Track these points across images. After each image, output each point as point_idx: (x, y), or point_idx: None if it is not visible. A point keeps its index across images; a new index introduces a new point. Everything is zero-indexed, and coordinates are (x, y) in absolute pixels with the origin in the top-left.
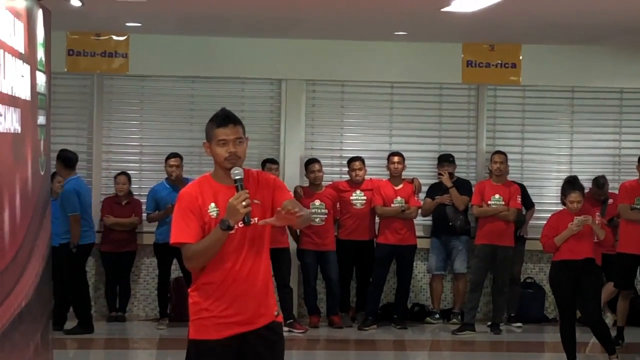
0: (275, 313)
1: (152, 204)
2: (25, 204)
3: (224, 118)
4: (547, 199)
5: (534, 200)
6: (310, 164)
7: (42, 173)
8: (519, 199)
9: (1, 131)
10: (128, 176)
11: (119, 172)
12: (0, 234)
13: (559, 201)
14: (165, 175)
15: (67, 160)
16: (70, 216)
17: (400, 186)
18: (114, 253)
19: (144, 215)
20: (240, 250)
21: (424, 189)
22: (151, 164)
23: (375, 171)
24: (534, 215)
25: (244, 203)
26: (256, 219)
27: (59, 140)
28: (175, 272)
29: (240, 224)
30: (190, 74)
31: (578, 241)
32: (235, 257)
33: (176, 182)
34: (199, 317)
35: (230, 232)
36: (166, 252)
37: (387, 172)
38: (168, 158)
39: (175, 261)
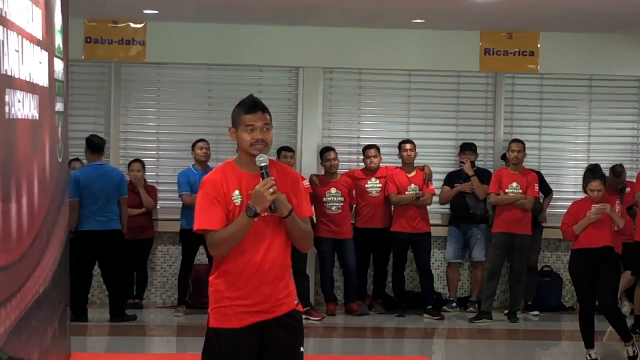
0: (295, 302)
1: (187, 186)
2: (43, 191)
3: (253, 105)
4: (565, 187)
5: (552, 188)
6: (325, 152)
7: (60, 160)
8: (537, 187)
9: (19, 117)
10: (142, 163)
11: (133, 159)
12: (18, 220)
13: (577, 189)
14: (192, 162)
15: (92, 145)
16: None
17: (413, 173)
18: (130, 240)
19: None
20: (262, 238)
21: (441, 177)
22: (168, 151)
23: (393, 159)
24: (552, 203)
25: (270, 190)
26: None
27: (77, 128)
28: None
29: (266, 212)
30: (208, 61)
31: (597, 229)
32: (257, 245)
33: (204, 168)
34: (220, 305)
35: (256, 219)
36: (192, 239)
37: (401, 160)
38: (196, 143)
39: (201, 249)
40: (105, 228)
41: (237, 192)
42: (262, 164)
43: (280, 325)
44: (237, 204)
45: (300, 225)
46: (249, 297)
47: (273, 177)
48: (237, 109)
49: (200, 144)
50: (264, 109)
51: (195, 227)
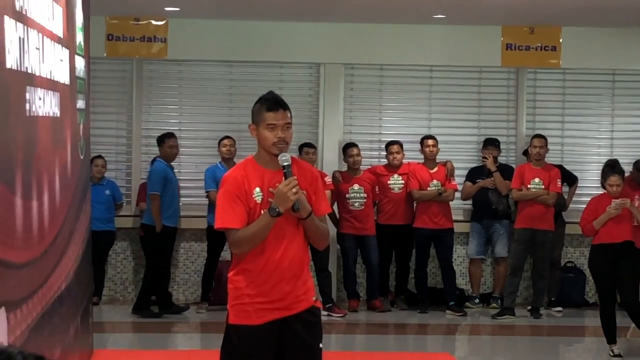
0: (314, 298)
1: (213, 183)
2: (64, 188)
3: (275, 102)
4: (588, 182)
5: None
6: (348, 148)
7: (82, 157)
8: (559, 183)
9: (40, 115)
10: None
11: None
12: (39, 217)
13: (600, 185)
14: (217, 159)
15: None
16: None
17: (436, 169)
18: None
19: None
20: (282, 236)
21: (463, 172)
22: (190, 148)
23: (414, 155)
24: (575, 198)
25: (293, 190)
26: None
27: (99, 125)
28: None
29: (289, 211)
30: (229, 58)
31: (617, 224)
32: (277, 244)
33: (230, 165)
34: (240, 302)
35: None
36: (219, 236)
37: (423, 156)
38: (222, 140)
39: (226, 246)
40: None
41: (257, 189)
42: (285, 163)
43: (299, 321)
44: (257, 202)
45: (318, 225)
46: (268, 294)
47: (296, 177)
48: (258, 105)
49: (224, 141)
50: (285, 107)
51: (216, 226)
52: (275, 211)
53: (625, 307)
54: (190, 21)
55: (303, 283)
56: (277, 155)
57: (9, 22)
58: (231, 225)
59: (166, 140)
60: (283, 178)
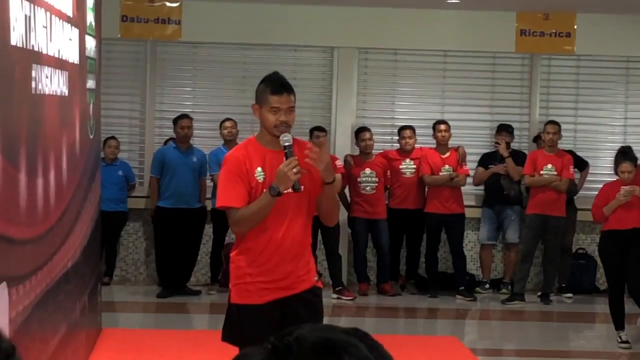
0: (316, 278)
1: (217, 167)
2: (72, 167)
3: (280, 85)
4: (601, 169)
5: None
6: (360, 132)
7: (91, 137)
8: (572, 169)
9: (47, 93)
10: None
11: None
12: (45, 194)
13: (613, 172)
14: (221, 142)
15: None
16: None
17: (448, 154)
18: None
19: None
20: (284, 216)
21: (476, 158)
22: (203, 130)
23: (427, 140)
24: (587, 185)
25: (294, 170)
26: (302, 187)
27: (112, 106)
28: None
29: (289, 191)
30: (243, 40)
31: (627, 211)
32: (279, 223)
33: (232, 146)
34: (242, 281)
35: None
36: (224, 218)
37: (435, 141)
38: (223, 122)
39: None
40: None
41: (259, 169)
42: (286, 144)
43: (300, 301)
44: (259, 181)
45: (336, 195)
46: (270, 273)
47: (296, 157)
48: (262, 86)
49: (226, 123)
50: (289, 91)
51: (217, 205)
52: (276, 190)
53: (634, 294)
54: (205, 3)
55: (305, 263)
56: (278, 136)
57: (14, 0)
58: (232, 204)
59: (178, 121)
60: (284, 158)
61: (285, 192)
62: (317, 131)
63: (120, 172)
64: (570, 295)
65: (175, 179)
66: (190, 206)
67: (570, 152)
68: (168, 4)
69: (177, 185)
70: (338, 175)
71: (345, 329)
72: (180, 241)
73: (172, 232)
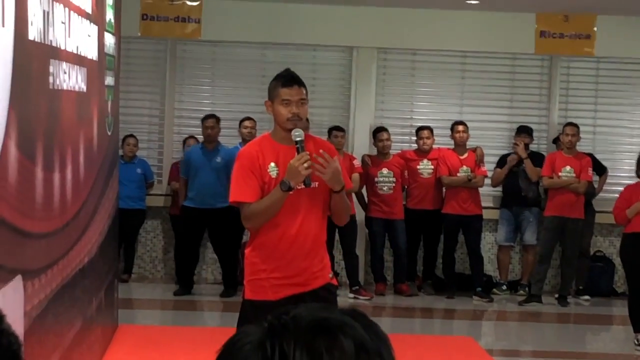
0: (330, 275)
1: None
2: (89, 162)
3: (290, 79)
4: (620, 172)
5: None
6: (378, 132)
7: (110, 133)
8: (590, 171)
9: (65, 89)
10: (197, 140)
11: (188, 135)
12: (62, 189)
13: (632, 174)
14: (239, 140)
15: None
16: None
17: (466, 155)
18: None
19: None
20: (297, 212)
21: (494, 159)
22: (222, 129)
23: (446, 141)
24: (607, 187)
25: (305, 165)
26: (316, 183)
27: (132, 104)
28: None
29: (300, 186)
30: (262, 40)
31: None
32: (292, 219)
33: None
34: (257, 277)
35: (290, 193)
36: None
37: (453, 142)
38: (242, 121)
39: None
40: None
41: (272, 164)
42: (298, 139)
43: (315, 298)
44: (272, 176)
45: (345, 200)
46: (284, 269)
47: (308, 152)
48: (273, 82)
49: (245, 122)
50: (300, 83)
51: (230, 200)
52: (287, 185)
53: None
54: (225, 2)
55: (320, 260)
56: (291, 131)
57: None
58: (244, 199)
59: (203, 121)
60: (296, 153)
61: (298, 187)
62: (335, 130)
63: (138, 170)
64: (587, 297)
65: (198, 179)
66: (213, 206)
67: (590, 155)
68: (188, 2)
69: (200, 186)
70: (355, 175)
71: (342, 309)
72: (199, 241)
73: (193, 231)
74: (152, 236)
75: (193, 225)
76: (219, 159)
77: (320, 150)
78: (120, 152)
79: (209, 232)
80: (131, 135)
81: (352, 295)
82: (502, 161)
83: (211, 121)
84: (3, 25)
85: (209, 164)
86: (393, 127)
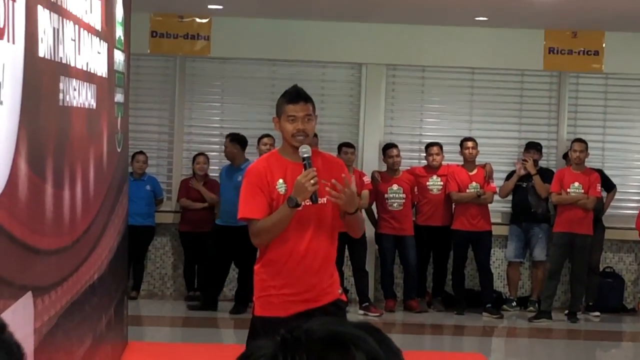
0: (340, 291)
1: None
2: (99, 179)
3: (295, 95)
4: (629, 187)
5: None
6: (388, 148)
7: (119, 150)
8: (599, 188)
9: (75, 105)
10: (207, 157)
11: (198, 152)
12: (72, 206)
13: None
14: (257, 157)
15: (244, 142)
16: None
17: (475, 171)
18: (192, 233)
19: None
20: (306, 228)
21: (503, 175)
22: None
23: (455, 157)
24: (615, 204)
25: (312, 181)
26: (325, 199)
27: (142, 121)
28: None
29: (308, 202)
30: (271, 56)
31: None
32: (301, 235)
33: None
34: (266, 293)
35: (298, 209)
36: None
37: (462, 158)
38: (261, 138)
39: None
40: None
41: (281, 180)
42: (305, 155)
43: (324, 314)
44: (281, 193)
45: (360, 218)
46: (294, 286)
47: (315, 168)
48: (280, 98)
49: (265, 139)
50: (306, 99)
51: (239, 216)
52: (293, 202)
53: None
54: (234, 19)
55: (329, 276)
56: (298, 147)
57: (42, 13)
58: (252, 216)
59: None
60: (303, 169)
61: (305, 204)
62: (345, 147)
63: (148, 187)
64: (597, 313)
65: (223, 197)
66: (233, 224)
67: (599, 171)
68: (197, 20)
69: (224, 204)
70: (365, 192)
71: (355, 323)
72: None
73: (220, 249)
74: (162, 253)
75: (221, 243)
76: (239, 178)
77: (343, 175)
78: (130, 169)
79: (231, 250)
80: (141, 152)
81: (362, 311)
82: (510, 177)
83: (226, 141)
84: (13, 42)
85: (231, 182)
86: (402, 144)
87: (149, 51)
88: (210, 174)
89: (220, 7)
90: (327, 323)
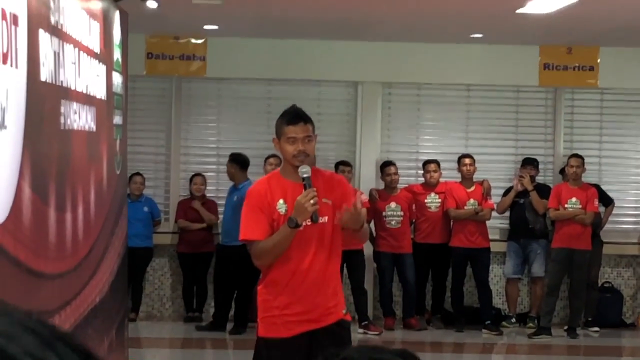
0: (344, 311)
1: None
2: (100, 201)
3: (295, 115)
4: (626, 202)
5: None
6: (386, 166)
7: (118, 172)
8: (596, 203)
9: (75, 129)
10: (204, 177)
11: (195, 173)
12: (74, 229)
13: (639, 205)
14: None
15: (244, 162)
16: None
17: (473, 188)
18: (190, 254)
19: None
20: (307, 248)
21: (500, 192)
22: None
23: (452, 174)
24: (613, 219)
25: (311, 201)
26: (326, 218)
27: (138, 142)
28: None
29: (308, 222)
30: (267, 76)
31: None
32: (303, 255)
33: None
34: (269, 314)
35: (299, 229)
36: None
37: (460, 175)
38: (267, 158)
39: None
40: None
41: (281, 201)
42: (304, 175)
43: (328, 334)
44: (281, 213)
45: (365, 231)
46: (297, 306)
47: (315, 188)
48: (279, 119)
49: (271, 159)
50: (305, 120)
51: (240, 238)
52: (293, 222)
53: None
54: (229, 39)
55: (333, 295)
56: (298, 167)
57: (43, 36)
58: (253, 237)
59: None
60: (303, 189)
61: (306, 223)
62: (342, 165)
63: (145, 208)
64: (597, 329)
65: (224, 216)
66: (230, 244)
67: (596, 186)
68: (193, 40)
69: (223, 223)
70: (363, 210)
71: (394, 350)
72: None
73: (222, 268)
74: (160, 274)
75: (221, 262)
76: (235, 197)
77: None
78: (127, 191)
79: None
80: (138, 174)
81: (361, 330)
82: (508, 193)
83: (228, 161)
84: (16, 67)
85: (229, 202)
86: (399, 161)
87: (144, 72)
88: (208, 194)
89: (216, 27)
90: (365, 351)
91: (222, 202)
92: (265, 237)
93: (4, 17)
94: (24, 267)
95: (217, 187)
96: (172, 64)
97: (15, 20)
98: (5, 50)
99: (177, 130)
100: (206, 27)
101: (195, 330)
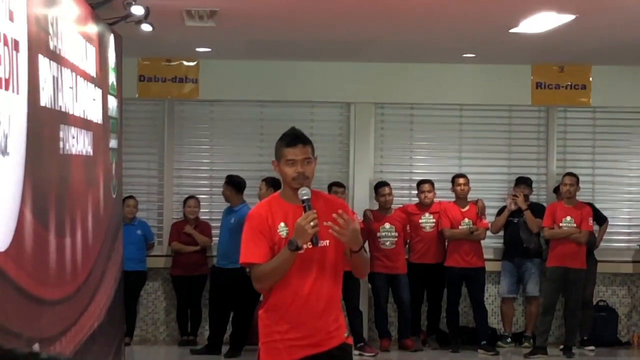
0: (346, 335)
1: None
2: (97, 226)
3: (294, 138)
4: (619, 220)
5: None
6: (380, 187)
7: (114, 196)
8: (591, 221)
9: (74, 153)
10: (197, 200)
11: (189, 195)
12: (73, 254)
13: (632, 223)
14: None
15: (239, 185)
16: None
17: (467, 208)
18: (184, 277)
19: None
20: (308, 271)
21: (494, 211)
22: (221, 188)
23: (445, 194)
24: (607, 237)
25: (311, 223)
26: (327, 241)
27: (131, 165)
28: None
29: (309, 245)
30: (260, 98)
31: None
32: (304, 279)
33: None
34: (270, 339)
35: (299, 252)
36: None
37: (454, 195)
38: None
39: None
40: None
41: (282, 224)
42: (304, 197)
43: (330, 358)
44: (282, 236)
45: (365, 256)
46: (298, 330)
47: (315, 211)
48: (278, 142)
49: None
50: (304, 142)
51: (240, 261)
52: (294, 245)
53: None
54: (221, 62)
55: (335, 319)
56: (298, 190)
57: (43, 61)
58: (254, 260)
59: None
60: (303, 212)
61: (307, 247)
62: (336, 186)
63: (139, 232)
64: (592, 347)
65: (219, 239)
66: (225, 266)
67: (590, 205)
68: (185, 63)
69: (219, 245)
70: (355, 224)
71: None
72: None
73: (217, 291)
74: (154, 298)
75: (217, 285)
76: (232, 220)
77: (340, 211)
78: None
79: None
80: (131, 197)
81: (357, 352)
82: (501, 212)
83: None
84: (18, 93)
85: (225, 224)
86: (392, 181)
87: (137, 95)
88: (201, 217)
89: (208, 49)
90: None
91: (216, 224)
92: (266, 261)
93: (5, 43)
94: (26, 294)
95: (211, 210)
96: (164, 86)
97: (16, 45)
98: (7, 76)
99: (170, 152)
100: (198, 49)
101: (190, 354)
